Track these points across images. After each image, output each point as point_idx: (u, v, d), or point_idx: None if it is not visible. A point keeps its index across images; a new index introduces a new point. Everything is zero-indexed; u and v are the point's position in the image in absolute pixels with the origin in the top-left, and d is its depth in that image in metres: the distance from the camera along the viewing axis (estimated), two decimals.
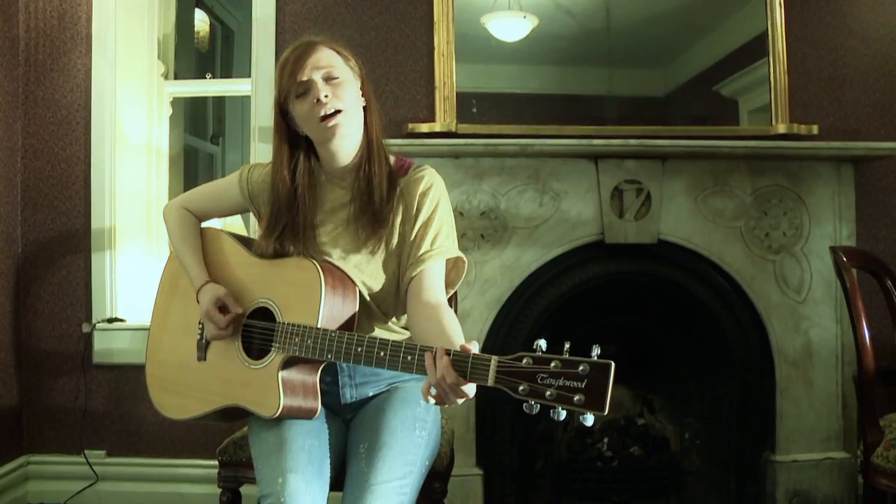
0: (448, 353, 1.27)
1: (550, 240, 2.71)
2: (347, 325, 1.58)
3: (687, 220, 2.76)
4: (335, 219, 1.68)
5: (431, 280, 1.62)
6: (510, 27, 2.90)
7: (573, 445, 2.94)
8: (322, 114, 1.57)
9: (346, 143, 1.64)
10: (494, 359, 1.22)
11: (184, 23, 3.45)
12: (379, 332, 1.68)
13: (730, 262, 2.77)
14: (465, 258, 1.70)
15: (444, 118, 2.77)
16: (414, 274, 1.61)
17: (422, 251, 1.62)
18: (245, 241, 1.81)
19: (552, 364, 1.15)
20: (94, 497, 2.84)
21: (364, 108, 1.66)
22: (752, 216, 2.78)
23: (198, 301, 1.70)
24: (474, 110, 2.83)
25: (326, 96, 1.57)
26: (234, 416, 1.72)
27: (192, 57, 3.79)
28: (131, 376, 2.84)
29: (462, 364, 1.25)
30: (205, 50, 4.12)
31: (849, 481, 2.80)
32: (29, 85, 2.90)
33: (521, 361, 1.19)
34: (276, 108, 1.65)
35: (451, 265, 1.70)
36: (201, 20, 3.97)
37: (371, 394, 1.69)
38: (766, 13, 2.88)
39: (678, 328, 2.93)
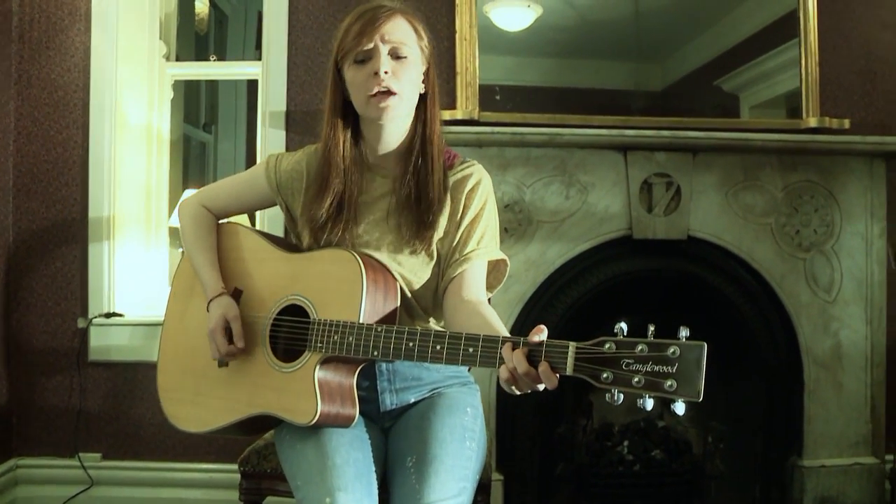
0: (520, 342, 1.16)
1: (576, 234, 2.59)
2: (388, 321, 1.44)
3: (717, 215, 2.65)
4: (374, 209, 1.54)
5: (474, 279, 1.50)
6: (513, 17, 2.78)
7: (593, 448, 2.82)
8: (375, 90, 1.43)
9: (393, 126, 1.51)
10: (572, 345, 1.11)
11: (185, 3, 3.28)
12: None
13: (759, 261, 2.67)
14: (507, 261, 1.58)
15: (466, 105, 2.64)
16: (456, 273, 1.49)
17: (468, 250, 1.50)
18: (266, 236, 1.65)
19: (639, 348, 1.06)
20: (89, 502, 2.68)
21: (422, 95, 1.52)
22: (783, 213, 2.68)
23: (208, 311, 1.55)
24: (497, 97, 2.70)
25: (386, 72, 1.43)
26: (259, 427, 1.58)
27: (192, 39, 3.63)
28: (130, 375, 2.69)
29: (535, 353, 1.14)
30: (203, 33, 3.95)
31: (877, 487, 2.72)
32: (23, 63, 2.72)
33: (602, 346, 1.09)
34: (332, 66, 1.51)
35: (491, 267, 1.57)
36: (201, 1, 3.80)
37: (413, 400, 1.56)
38: (798, 6, 2.78)
39: (704, 327, 2.81)
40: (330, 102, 1.54)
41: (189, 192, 2.79)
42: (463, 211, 1.52)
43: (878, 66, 2.85)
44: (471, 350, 1.23)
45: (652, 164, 2.61)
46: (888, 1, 2.86)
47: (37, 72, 2.72)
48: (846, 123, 2.76)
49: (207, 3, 3.92)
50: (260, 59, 2.79)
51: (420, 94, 1.52)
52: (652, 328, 1.08)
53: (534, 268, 2.57)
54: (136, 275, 2.82)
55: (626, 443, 2.83)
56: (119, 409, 2.71)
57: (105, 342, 2.68)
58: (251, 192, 1.69)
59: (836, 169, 2.71)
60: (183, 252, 1.73)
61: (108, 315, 2.68)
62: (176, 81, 3.07)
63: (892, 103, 2.85)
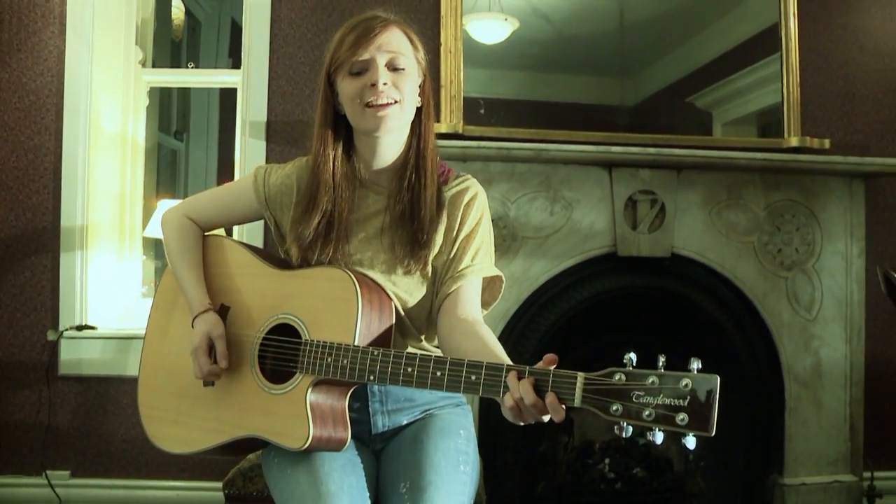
0: (525, 371, 1.12)
1: (561, 251, 2.57)
2: (383, 342, 1.40)
3: (701, 233, 2.65)
4: (367, 226, 1.50)
5: (469, 296, 1.46)
6: (490, 30, 2.76)
7: (575, 467, 2.80)
8: (374, 101, 1.39)
9: (390, 139, 1.46)
10: (581, 375, 1.08)
11: (162, 8, 3.21)
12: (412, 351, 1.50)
13: (742, 279, 2.68)
14: (503, 277, 1.55)
15: (451, 119, 2.61)
16: (451, 290, 1.45)
17: (462, 266, 1.46)
18: (255, 250, 1.60)
19: (650, 380, 1.03)
20: None
21: (418, 108, 1.48)
22: (766, 231, 2.69)
23: (193, 327, 1.49)
24: (482, 111, 2.67)
25: (385, 84, 1.39)
26: (244, 449, 1.53)
27: (168, 45, 3.55)
28: (101, 389, 2.60)
29: (542, 383, 1.11)
30: (178, 39, 3.87)
31: None
32: None
33: (612, 378, 1.05)
34: (324, 77, 1.46)
35: (486, 284, 1.53)
36: (177, 7, 3.72)
37: (405, 422, 1.51)
38: (780, 25, 2.81)
39: (686, 344, 2.82)
40: (320, 116, 1.49)
41: (166, 203, 2.72)
42: (459, 226, 1.48)
43: (857, 88, 2.88)
44: (473, 378, 1.19)
45: (637, 180, 2.60)
46: (866, 24, 2.89)
47: (7, 75, 2.63)
48: (826, 143, 2.78)
49: (183, 9, 3.84)
50: (233, 66, 2.73)
51: (418, 108, 1.49)
52: (662, 359, 1.05)
53: (517, 284, 2.54)
54: (109, 286, 2.73)
55: (607, 461, 2.81)
56: (90, 425, 2.61)
57: (76, 355, 2.59)
58: (238, 205, 1.63)
59: (816, 188, 2.73)
60: (166, 263, 1.67)
61: (80, 327, 2.59)
62: (151, 88, 2.99)
63: (870, 124, 2.88)
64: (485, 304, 1.54)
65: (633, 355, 1.08)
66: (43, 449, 2.58)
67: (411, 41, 1.46)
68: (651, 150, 2.50)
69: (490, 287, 1.55)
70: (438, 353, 1.54)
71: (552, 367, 1.12)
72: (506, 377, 1.14)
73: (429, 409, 1.53)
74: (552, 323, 2.58)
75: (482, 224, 1.51)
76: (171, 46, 4.13)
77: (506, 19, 2.76)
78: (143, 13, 2.95)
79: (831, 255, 2.74)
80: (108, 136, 2.76)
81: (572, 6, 2.78)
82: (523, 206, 2.55)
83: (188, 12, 4.58)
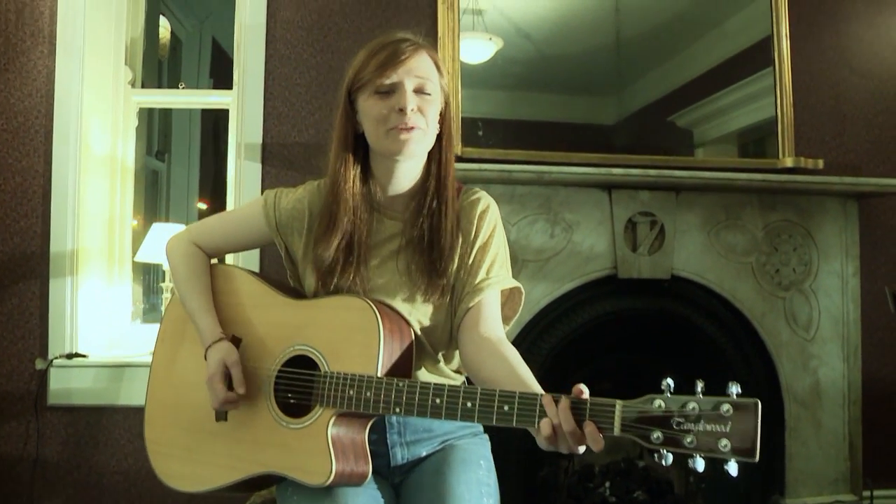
0: (560, 399, 1.11)
1: (562, 274, 2.55)
2: (404, 372, 1.36)
3: (700, 254, 2.65)
4: (382, 251, 1.46)
5: (489, 311, 1.43)
6: (475, 49, 2.75)
7: (576, 491, 2.76)
8: (399, 125, 1.36)
9: (409, 164, 1.43)
10: (619, 403, 1.07)
11: (150, 27, 3.16)
12: (430, 377, 1.47)
13: (741, 299, 2.68)
14: (522, 289, 1.52)
15: None
16: (470, 305, 1.41)
17: (478, 280, 1.43)
18: (265, 279, 1.55)
19: (690, 406, 1.03)
20: None
21: (438, 135, 1.45)
22: (763, 251, 2.70)
23: (206, 358, 1.44)
24: (480, 133, 2.65)
25: (413, 109, 1.36)
26: (258, 485, 1.48)
27: (155, 65, 3.49)
28: (93, 419, 2.52)
29: (580, 412, 1.09)
30: (164, 59, 3.82)
31: None
32: None
33: (651, 404, 1.05)
34: (344, 95, 1.43)
35: (505, 297, 1.50)
36: (163, 27, 3.67)
37: (424, 454, 1.47)
38: (773, 46, 2.83)
39: (685, 365, 2.81)
40: (339, 135, 1.45)
41: (160, 227, 2.66)
42: (474, 237, 1.46)
43: (848, 109, 2.91)
44: (506, 408, 1.16)
45: (636, 202, 2.60)
46: (855, 47, 2.93)
47: None
48: (820, 163, 2.80)
49: (169, 29, 3.79)
50: (214, 86, 2.68)
51: (437, 135, 1.46)
52: (701, 384, 1.05)
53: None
54: (99, 312, 2.66)
55: (607, 484, 2.78)
56: (80, 457, 2.52)
57: (66, 385, 2.51)
58: (247, 231, 1.58)
59: (812, 209, 2.75)
60: (156, 288, 1.61)
61: (70, 356, 2.50)
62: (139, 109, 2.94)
63: (861, 145, 2.91)
64: (505, 318, 1.50)
65: (670, 381, 1.07)
66: (31, 483, 2.48)
67: (437, 67, 1.44)
68: (651, 171, 2.50)
69: (510, 300, 1.52)
70: (457, 376, 1.51)
71: (586, 395, 1.10)
72: (542, 404, 1.12)
73: (448, 440, 1.50)
74: (553, 346, 2.55)
75: (496, 235, 1.48)
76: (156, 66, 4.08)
77: (490, 39, 2.75)
78: (132, 33, 2.90)
79: (827, 275, 2.75)
80: (97, 159, 2.69)
81: (553, 26, 2.78)
82: (524, 229, 2.53)
83: (171, 31, 4.54)
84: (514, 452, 2.53)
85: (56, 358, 2.50)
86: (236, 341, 1.47)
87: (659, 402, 1.05)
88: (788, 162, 2.78)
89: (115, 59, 2.80)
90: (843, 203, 2.77)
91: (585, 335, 2.60)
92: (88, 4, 2.60)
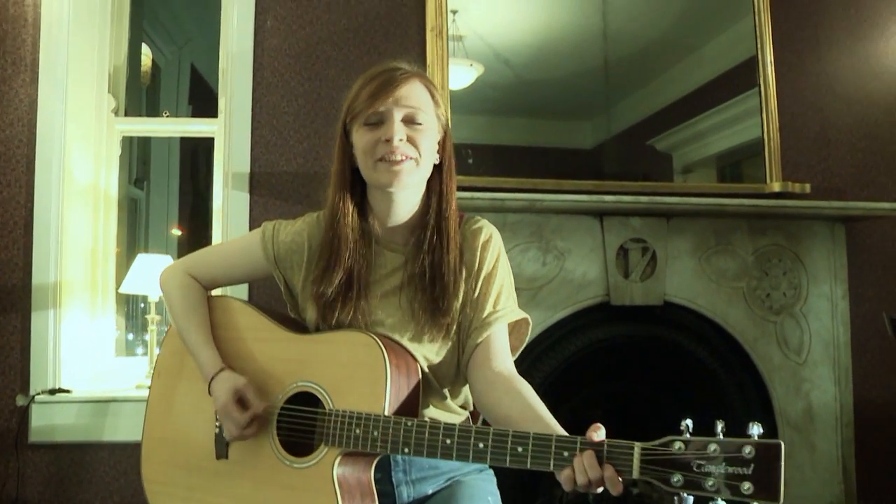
0: (576, 442, 1.09)
1: (554, 302, 2.54)
2: (411, 409, 1.33)
3: (691, 280, 2.65)
4: (384, 285, 1.43)
5: (499, 345, 1.40)
6: (457, 75, 2.74)
7: None
8: (386, 156, 1.33)
9: (405, 195, 1.40)
10: (637, 446, 1.05)
11: (133, 55, 3.12)
12: (436, 413, 1.44)
13: (733, 325, 2.68)
14: (529, 320, 1.49)
15: None
16: (479, 341, 1.38)
17: (486, 314, 1.40)
18: (266, 312, 1.51)
19: (711, 448, 1.01)
20: None
21: (437, 165, 1.42)
22: (754, 276, 2.71)
23: (210, 393, 1.40)
24: (470, 161, 2.64)
25: (401, 140, 1.33)
26: None
27: (137, 93, 3.45)
28: (76, 457, 2.44)
29: (597, 455, 1.07)
30: (146, 86, 3.77)
31: None
32: None
33: (671, 447, 1.03)
34: (340, 128, 1.41)
35: (511, 327, 1.47)
36: (145, 55, 3.63)
37: (430, 491, 1.44)
38: (758, 71, 2.86)
39: (679, 391, 2.80)
40: (337, 169, 1.42)
41: (145, 258, 2.60)
42: (477, 269, 1.42)
43: (833, 134, 2.94)
44: (520, 450, 1.13)
45: (628, 229, 2.59)
46: (840, 73, 2.97)
47: None
48: (807, 188, 2.82)
49: (151, 56, 3.75)
50: (193, 114, 2.64)
51: (435, 165, 1.43)
52: (721, 424, 1.03)
53: None
54: (83, 346, 2.59)
55: None
56: (64, 497, 2.44)
57: (48, 421, 2.43)
58: (244, 262, 1.54)
59: (800, 233, 2.76)
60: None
61: (53, 391, 2.43)
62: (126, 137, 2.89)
63: (846, 169, 2.94)
64: (513, 349, 1.47)
65: (689, 422, 1.05)
66: None
67: (432, 96, 1.41)
68: (643, 198, 2.50)
69: (516, 329, 1.48)
70: (462, 411, 1.48)
71: (603, 435, 1.09)
72: (561, 450, 1.09)
73: (454, 476, 1.46)
74: (547, 374, 2.53)
75: (500, 264, 1.45)
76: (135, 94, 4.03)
77: (471, 65, 2.75)
78: (115, 61, 2.86)
79: (817, 298, 2.76)
80: (80, 188, 2.64)
81: (532, 51, 2.78)
82: (516, 257, 2.51)
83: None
84: (509, 484, 2.49)
85: (38, 394, 2.42)
86: None
87: (679, 444, 1.03)
88: (776, 186, 2.80)
89: (99, 88, 2.75)
90: (831, 227, 2.79)
91: (578, 363, 2.58)
92: (72, 32, 2.56)
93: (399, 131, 1.33)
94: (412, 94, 1.37)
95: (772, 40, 2.89)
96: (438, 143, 1.42)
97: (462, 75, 2.74)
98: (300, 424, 1.34)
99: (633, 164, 2.83)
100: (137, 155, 5.08)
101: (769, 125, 2.84)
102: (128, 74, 2.96)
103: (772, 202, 2.68)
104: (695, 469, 1.01)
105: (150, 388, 1.56)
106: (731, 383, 2.70)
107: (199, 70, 4.96)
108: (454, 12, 2.70)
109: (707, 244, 2.67)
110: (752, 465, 0.98)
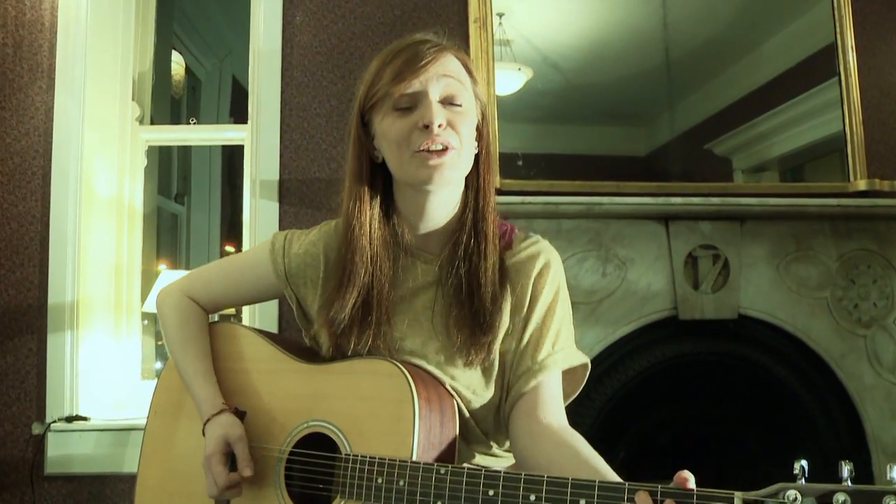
0: (657, 490, 0.87)
1: (616, 317, 2.28)
2: (446, 456, 1.09)
3: (769, 290, 2.37)
4: (414, 305, 1.19)
5: (551, 395, 1.15)
6: (505, 80, 2.52)
7: None
8: (426, 146, 1.09)
9: (443, 194, 1.16)
10: (738, 496, 0.84)
11: (161, 62, 2.97)
12: (480, 460, 1.20)
13: (817, 339, 2.39)
14: (588, 365, 1.23)
15: None
16: (528, 388, 1.14)
17: (540, 356, 1.15)
18: (275, 339, 1.29)
19: (840, 499, 0.80)
20: None
21: (476, 156, 1.18)
22: (839, 285, 2.41)
23: (203, 436, 1.19)
24: (519, 163, 2.40)
25: (441, 125, 1.09)
26: None
27: (168, 102, 3.31)
28: (95, 489, 2.27)
29: None
30: (179, 96, 3.64)
31: None
32: None
33: (782, 496, 0.82)
34: (356, 117, 1.17)
35: (565, 372, 1.22)
36: (177, 62, 3.49)
37: None
38: (837, 59, 2.57)
39: (756, 415, 2.51)
40: (352, 168, 1.18)
41: (169, 273, 2.43)
42: (530, 303, 1.17)
43: None
44: (582, 502, 0.90)
45: (696, 234, 2.33)
46: None
47: None
48: None
49: (184, 64, 3.61)
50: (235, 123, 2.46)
51: (476, 155, 1.19)
52: (849, 467, 0.82)
53: None
54: (104, 370, 2.42)
55: None
56: None
57: (65, 451, 2.26)
58: (252, 281, 1.31)
59: (892, 235, 2.46)
60: (168, 360, 1.36)
61: (70, 419, 2.26)
62: (150, 148, 2.73)
63: None
64: (565, 395, 1.22)
65: (804, 463, 0.84)
66: None
67: (469, 72, 1.17)
68: (714, 199, 2.23)
69: (570, 375, 1.23)
70: (507, 454, 1.24)
71: (693, 485, 0.87)
72: (632, 497, 0.87)
73: None
74: (608, 398, 2.27)
75: (560, 299, 1.20)
76: (170, 105, 3.91)
77: (519, 69, 2.53)
78: (140, 67, 2.71)
79: None
80: (101, 201, 2.48)
81: (582, 55, 2.55)
82: (572, 268, 2.27)
83: (190, 71, 4.38)
84: None
85: (54, 421, 2.26)
86: (240, 415, 1.21)
87: (794, 494, 0.81)
88: (862, 185, 2.50)
89: (122, 95, 2.60)
90: None
91: (643, 384, 2.33)
92: (90, 37, 2.41)
93: (439, 114, 1.09)
94: (450, 68, 1.13)
95: (852, 24, 2.60)
96: (477, 128, 1.18)
97: (510, 80, 2.53)
98: (312, 472, 1.12)
99: (692, 169, 2.56)
100: (178, 169, 4.99)
101: (852, 118, 2.55)
102: (154, 81, 2.80)
103: (860, 201, 2.39)
104: None
105: (144, 428, 1.35)
106: (815, 406, 2.42)
107: (240, 80, 4.85)
108: (500, 15, 2.49)
109: (786, 250, 2.39)
110: None
